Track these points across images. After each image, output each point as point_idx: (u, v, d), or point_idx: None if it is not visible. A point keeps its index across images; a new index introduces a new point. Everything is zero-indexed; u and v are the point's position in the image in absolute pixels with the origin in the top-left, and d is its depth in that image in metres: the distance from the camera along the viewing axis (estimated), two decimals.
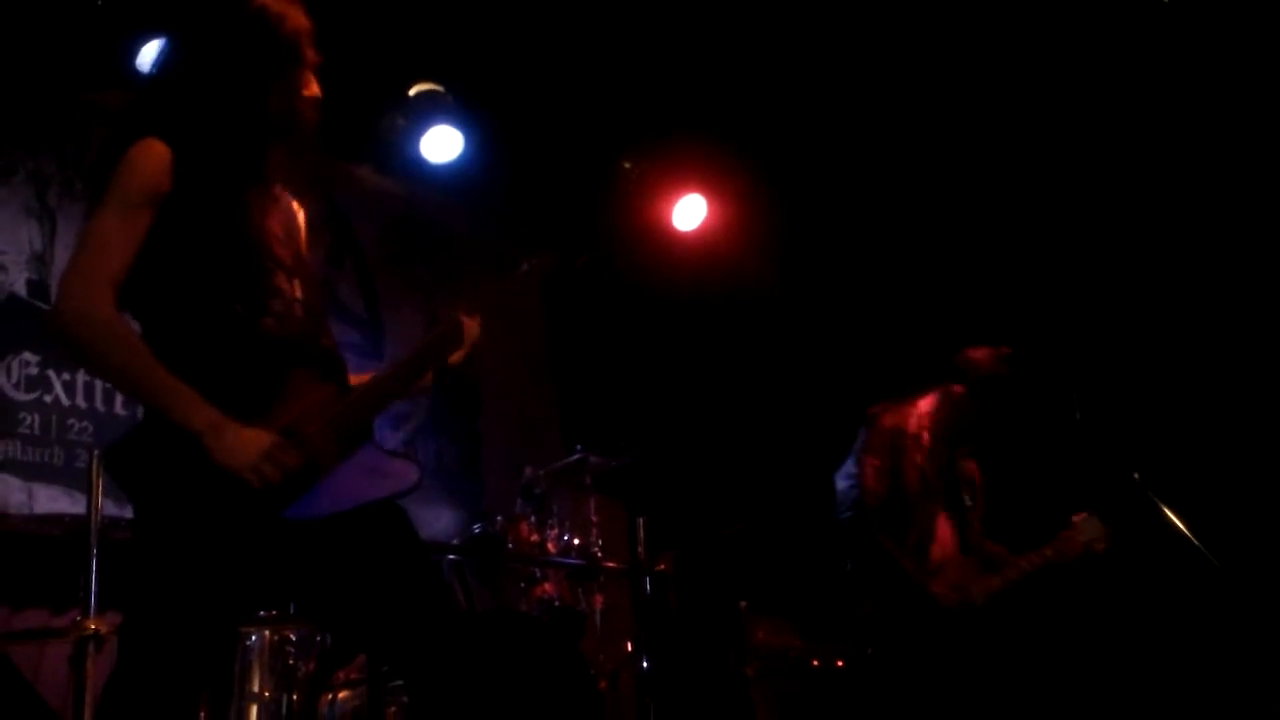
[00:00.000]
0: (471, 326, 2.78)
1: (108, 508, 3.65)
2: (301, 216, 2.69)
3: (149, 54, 5.24)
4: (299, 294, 2.52)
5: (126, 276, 2.36)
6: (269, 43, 2.48)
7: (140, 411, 2.44)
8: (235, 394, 2.35)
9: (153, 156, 2.38)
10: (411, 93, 5.86)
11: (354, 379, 2.67)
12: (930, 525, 4.37)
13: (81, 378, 5.28)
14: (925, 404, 4.57)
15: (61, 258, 5.40)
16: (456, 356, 2.75)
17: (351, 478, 2.45)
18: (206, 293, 2.40)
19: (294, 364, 2.47)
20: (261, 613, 3.94)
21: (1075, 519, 4.50)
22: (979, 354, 4.58)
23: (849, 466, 4.42)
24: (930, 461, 4.45)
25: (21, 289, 5.26)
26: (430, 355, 2.74)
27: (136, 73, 5.27)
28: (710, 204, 6.54)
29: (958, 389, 4.54)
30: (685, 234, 6.57)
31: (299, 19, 2.54)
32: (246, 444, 2.30)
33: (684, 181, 6.53)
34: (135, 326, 2.46)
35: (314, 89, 2.58)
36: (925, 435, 4.48)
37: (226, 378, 2.37)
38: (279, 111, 2.51)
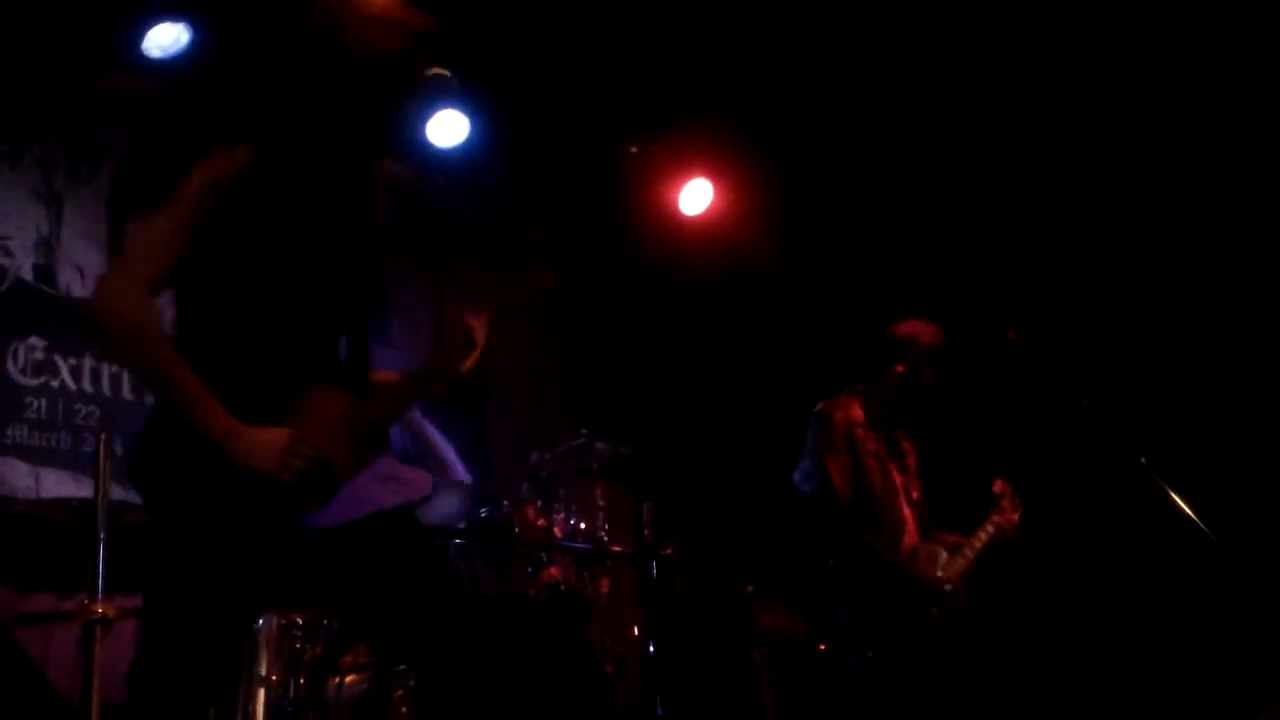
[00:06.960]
0: (478, 328, 2.78)
1: (115, 492, 3.66)
2: None
3: (155, 39, 5.25)
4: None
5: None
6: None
7: (150, 398, 2.46)
8: (253, 397, 2.38)
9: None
10: None
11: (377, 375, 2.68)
12: (898, 514, 4.36)
13: (88, 362, 5.29)
14: (865, 390, 4.53)
15: (68, 242, 5.41)
16: (469, 363, 2.76)
17: (368, 486, 2.47)
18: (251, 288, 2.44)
19: (313, 374, 2.48)
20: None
21: (998, 488, 4.49)
22: (915, 329, 4.51)
23: (806, 467, 4.36)
24: (883, 449, 4.44)
25: (28, 274, 5.26)
26: (439, 370, 2.75)
27: (143, 57, 5.27)
28: (716, 188, 6.53)
29: (899, 369, 4.48)
30: (691, 218, 6.56)
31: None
32: (266, 444, 2.33)
33: (690, 165, 6.52)
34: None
35: None
36: (871, 423, 4.45)
37: (246, 380, 2.40)
38: None
